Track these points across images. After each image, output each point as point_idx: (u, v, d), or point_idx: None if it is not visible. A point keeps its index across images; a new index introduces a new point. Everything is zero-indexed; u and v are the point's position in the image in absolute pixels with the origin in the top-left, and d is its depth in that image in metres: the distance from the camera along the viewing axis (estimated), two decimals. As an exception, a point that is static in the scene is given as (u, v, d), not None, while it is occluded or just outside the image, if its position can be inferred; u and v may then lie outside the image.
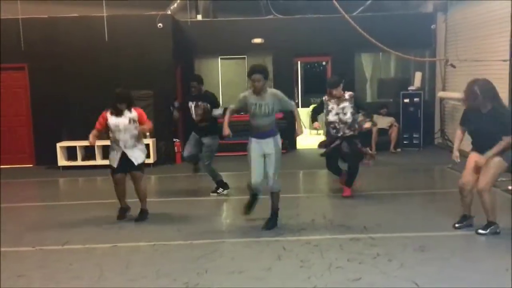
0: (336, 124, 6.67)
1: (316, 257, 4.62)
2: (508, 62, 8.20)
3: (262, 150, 5.43)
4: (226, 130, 5.61)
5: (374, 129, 10.73)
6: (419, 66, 11.63)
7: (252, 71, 5.40)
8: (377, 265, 4.37)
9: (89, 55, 10.16)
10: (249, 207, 5.67)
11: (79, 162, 9.88)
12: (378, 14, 11.40)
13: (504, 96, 8.31)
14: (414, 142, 11.12)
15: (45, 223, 6.11)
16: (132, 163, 5.97)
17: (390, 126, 10.87)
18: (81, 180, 8.97)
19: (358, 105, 6.76)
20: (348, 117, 6.60)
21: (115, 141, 5.98)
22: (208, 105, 7.00)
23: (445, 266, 4.32)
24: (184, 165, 9.19)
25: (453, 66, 10.02)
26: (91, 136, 5.96)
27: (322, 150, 7.06)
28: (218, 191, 7.30)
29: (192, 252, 4.88)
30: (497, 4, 8.74)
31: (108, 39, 9.84)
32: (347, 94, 6.69)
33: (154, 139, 10.11)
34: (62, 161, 9.94)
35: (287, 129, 11.19)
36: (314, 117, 7.07)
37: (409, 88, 11.28)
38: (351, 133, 6.69)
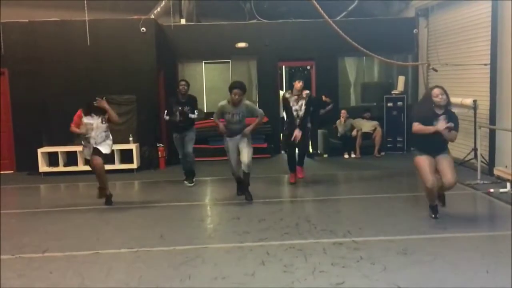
0: (293, 119, 7.62)
1: (299, 262, 4.61)
2: (488, 66, 8.32)
3: (235, 145, 6.90)
4: (222, 129, 6.95)
5: (358, 133, 10.82)
6: (402, 70, 11.73)
7: (233, 86, 6.75)
8: (360, 269, 4.37)
9: (71, 60, 10.04)
10: (239, 188, 7.14)
11: (61, 168, 9.74)
12: (361, 19, 11.50)
13: (485, 100, 8.45)
14: (398, 145, 11.19)
15: (25, 230, 6.00)
16: (99, 151, 6.74)
17: (374, 130, 10.94)
18: (63, 186, 8.84)
19: (314, 104, 8.19)
20: (302, 113, 7.59)
21: (86, 139, 6.75)
22: (189, 108, 7.99)
23: (427, 269, 4.34)
24: (167, 170, 9.13)
25: (435, 70, 10.13)
26: (74, 129, 6.73)
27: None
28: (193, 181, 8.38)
29: (175, 258, 4.82)
30: (477, 9, 8.87)
31: (90, 43, 9.74)
32: (304, 93, 7.61)
33: (138, 144, 10.03)
34: (43, 167, 9.79)
35: (272, 134, 11.24)
36: None
37: (392, 92, 11.38)
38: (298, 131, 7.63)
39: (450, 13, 9.92)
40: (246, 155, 6.79)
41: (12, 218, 6.58)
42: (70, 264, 4.77)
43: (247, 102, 6.92)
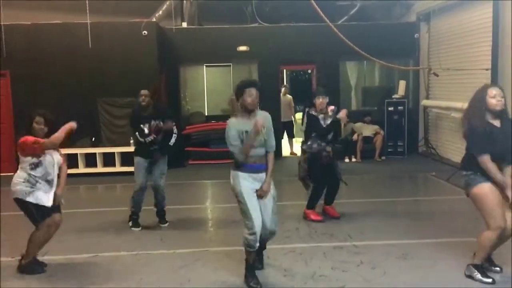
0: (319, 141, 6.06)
1: (300, 266, 4.61)
2: (489, 71, 8.31)
3: (254, 190, 4.25)
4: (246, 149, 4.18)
5: (359, 137, 10.81)
6: (403, 75, 11.75)
7: (246, 84, 4.27)
8: (361, 273, 4.37)
9: (72, 63, 10.05)
10: (250, 269, 4.28)
11: (62, 170, 9.70)
12: (363, 23, 11.51)
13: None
14: (399, 150, 11.18)
15: (24, 232, 5.96)
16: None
17: (375, 134, 10.93)
18: (64, 188, 8.83)
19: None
20: (331, 133, 6.12)
21: (48, 182, 4.75)
22: (159, 121, 6.06)
23: (427, 274, 4.34)
24: (167, 173, 9.11)
25: (436, 75, 10.13)
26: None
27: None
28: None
29: (175, 261, 4.82)
30: (479, 13, 8.88)
31: (92, 46, 9.76)
32: (329, 109, 6.15)
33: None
34: (44, 169, 9.76)
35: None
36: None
37: (393, 97, 11.38)
38: (330, 149, 6.06)
39: (451, 18, 9.93)
40: (271, 215, 4.35)
41: (11, 220, 6.56)
42: (70, 266, 4.77)
43: (265, 112, 4.43)
